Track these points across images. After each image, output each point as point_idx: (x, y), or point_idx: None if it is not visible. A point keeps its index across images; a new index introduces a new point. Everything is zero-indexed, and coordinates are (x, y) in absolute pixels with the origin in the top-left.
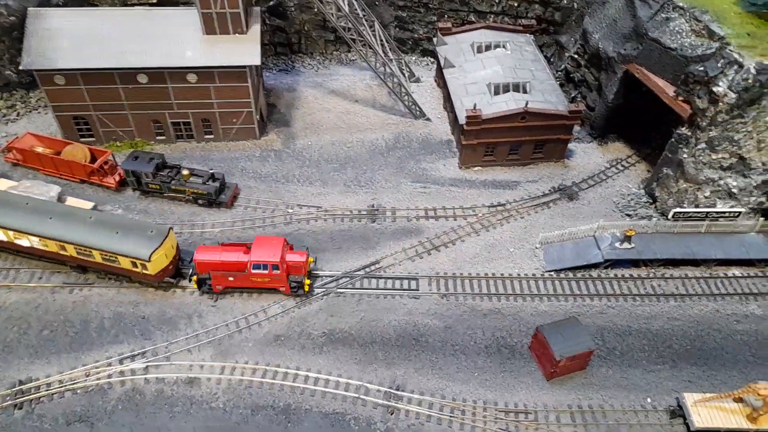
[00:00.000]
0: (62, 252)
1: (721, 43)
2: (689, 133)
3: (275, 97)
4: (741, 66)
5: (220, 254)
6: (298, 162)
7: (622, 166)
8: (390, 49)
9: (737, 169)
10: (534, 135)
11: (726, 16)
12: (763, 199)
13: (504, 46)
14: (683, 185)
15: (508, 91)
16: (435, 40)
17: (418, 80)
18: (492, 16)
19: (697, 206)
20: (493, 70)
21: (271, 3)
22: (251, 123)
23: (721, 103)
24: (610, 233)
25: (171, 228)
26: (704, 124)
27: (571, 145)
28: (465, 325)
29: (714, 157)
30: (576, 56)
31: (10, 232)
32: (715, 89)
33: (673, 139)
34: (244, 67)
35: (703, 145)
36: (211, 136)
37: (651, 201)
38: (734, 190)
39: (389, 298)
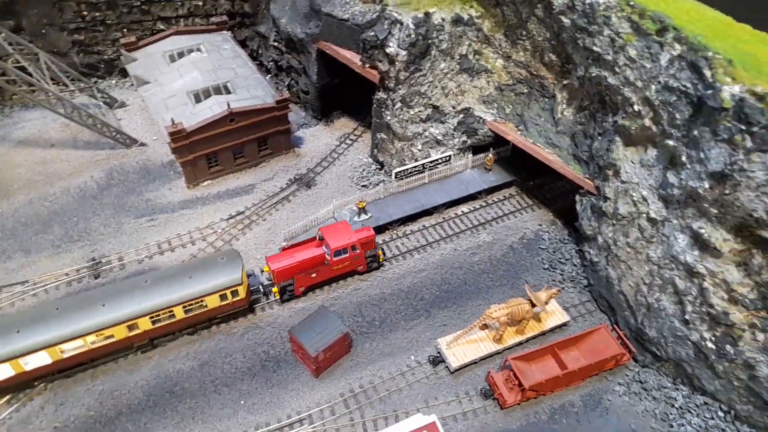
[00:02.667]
0: (130, 334)
1: (382, 6)
2: (385, 96)
3: None
4: (402, 23)
5: (295, 257)
6: None
7: (350, 140)
8: (72, 79)
9: (435, 118)
10: (251, 133)
11: None
12: (464, 138)
13: (199, 50)
14: (398, 144)
15: (210, 95)
16: (122, 58)
17: (123, 105)
18: (180, 20)
19: (416, 160)
20: (191, 76)
21: None
22: None
23: (397, 62)
24: (348, 209)
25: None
26: (392, 84)
27: (299, 132)
28: (222, 355)
29: (412, 112)
30: (276, 44)
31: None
32: (388, 50)
33: (374, 105)
34: None
35: (399, 104)
36: None
37: (380, 167)
38: (439, 137)
39: (130, 356)
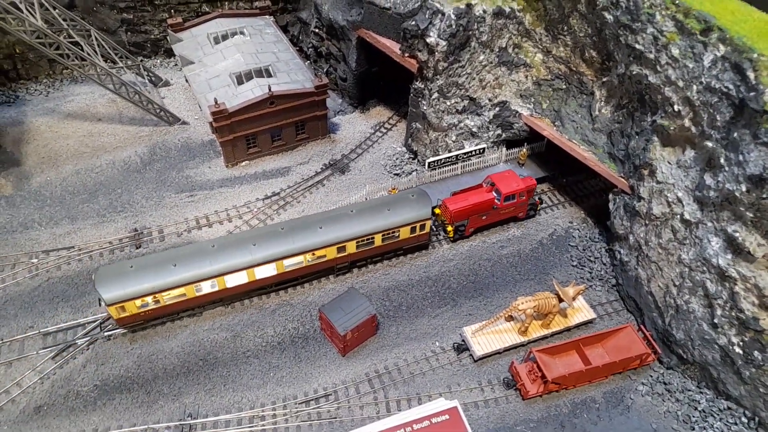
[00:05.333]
0: (338, 255)
1: None
2: (422, 86)
3: None
4: (443, 14)
5: (469, 200)
6: (36, 203)
7: (385, 128)
8: (121, 56)
9: (471, 110)
10: (290, 117)
11: None
12: (499, 131)
13: (242, 33)
14: (433, 135)
15: (252, 78)
16: (168, 38)
17: (167, 83)
18: (225, 3)
19: (449, 151)
20: (234, 59)
21: None
22: None
23: (437, 53)
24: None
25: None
26: (431, 74)
27: (335, 119)
28: (254, 328)
29: (448, 103)
30: (317, 30)
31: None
32: (428, 40)
33: (411, 94)
34: None
35: (436, 95)
36: None
37: (413, 156)
38: (474, 129)
39: (167, 324)
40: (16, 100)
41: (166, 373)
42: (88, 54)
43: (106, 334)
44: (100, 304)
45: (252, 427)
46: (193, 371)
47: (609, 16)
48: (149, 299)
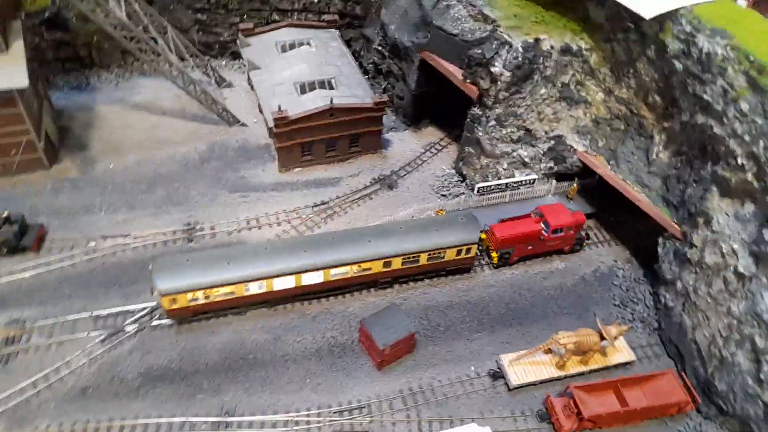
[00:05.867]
0: (383, 270)
1: (494, 26)
2: (480, 112)
3: (68, 119)
4: (511, 46)
5: (517, 228)
6: (99, 188)
7: (436, 149)
8: (192, 55)
9: (525, 141)
10: (346, 130)
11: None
12: (551, 164)
13: (309, 44)
14: (484, 161)
15: (315, 88)
16: (238, 42)
17: (230, 85)
18: (295, 13)
19: (499, 178)
20: (299, 68)
21: (47, 15)
22: (35, 152)
23: (500, 82)
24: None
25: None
26: (490, 102)
27: (388, 135)
28: (294, 333)
29: (504, 132)
30: (380, 48)
31: (332, 271)
32: (492, 69)
33: (468, 119)
34: (10, 90)
35: (493, 122)
36: None
37: (462, 179)
38: (526, 160)
39: (212, 319)
40: (87, 87)
41: (208, 368)
42: (163, 50)
43: (154, 323)
44: (152, 294)
45: (287, 430)
46: (233, 369)
47: (678, 65)
48: (200, 294)
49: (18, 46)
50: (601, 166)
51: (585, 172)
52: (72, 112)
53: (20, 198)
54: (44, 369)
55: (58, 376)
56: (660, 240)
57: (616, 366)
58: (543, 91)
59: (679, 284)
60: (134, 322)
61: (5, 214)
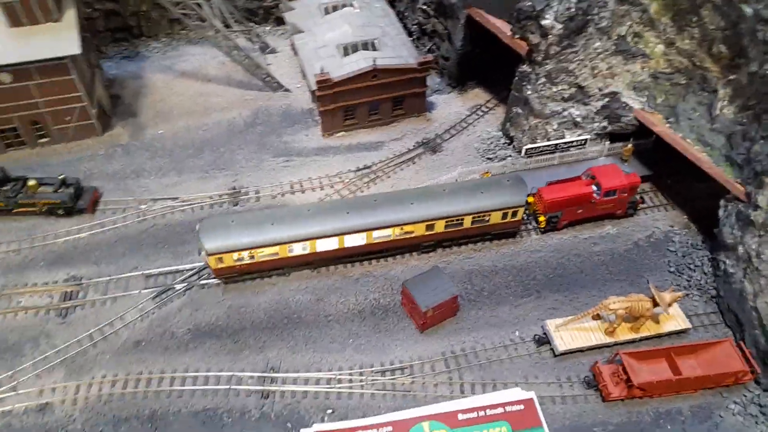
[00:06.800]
0: (426, 233)
1: None
2: (530, 70)
3: (119, 87)
4: None
5: (566, 190)
6: (148, 153)
7: (482, 111)
8: (236, 21)
9: (578, 99)
10: (390, 92)
11: None
12: (605, 123)
13: (352, 5)
14: (533, 121)
15: (358, 50)
16: (281, 6)
17: (273, 51)
18: None
19: (548, 140)
20: (342, 30)
21: None
22: (89, 119)
23: (551, 36)
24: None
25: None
26: (540, 58)
27: (432, 98)
28: (337, 294)
29: (555, 89)
30: (425, 7)
31: (375, 233)
32: (543, 23)
33: (516, 78)
34: (63, 58)
35: (543, 80)
36: (46, 139)
37: (509, 141)
38: (578, 119)
39: (257, 280)
40: (136, 56)
41: (253, 325)
42: (208, 16)
43: (202, 282)
44: (199, 254)
45: (329, 388)
46: (278, 327)
47: (748, 9)
48: (245, 254)
49: (70, 16)
50: (658, 124)
51: (641, 132)
52: (122, 81)
53: (75, 163)
54: (100, 323)
55: (113, 329)
56: (721, 202)
57: (670, 334)
58: (597, 44)
59: (740, 249)
60: (183, 281)
61: (62, 177)
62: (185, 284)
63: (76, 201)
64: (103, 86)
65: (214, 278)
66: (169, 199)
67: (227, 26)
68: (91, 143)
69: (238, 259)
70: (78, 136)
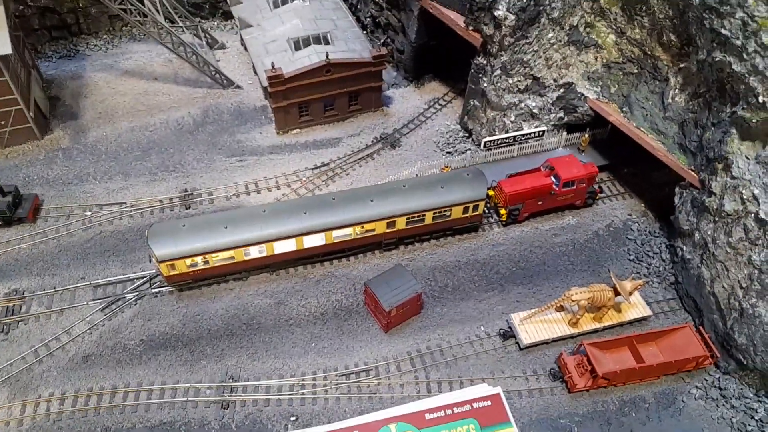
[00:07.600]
0: (387, 230)
1: None
2: (485, 62)
3: (58, 88)
4: None
5: (525, 183)
6: (92, 157)
7: (440, 105)
8: (181, 16)
9: (533, 90)
10: (344, 87)
11: None
12: (561, 114)
13: None
14: (491, 114)
15: (310, 44)
16: (228, 0)
17: (222, 46)
18: None
19: (507, 132)
20: (292, 24)
21: None
22: (25, 123)
23: (504, 27)
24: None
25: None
26: (495, 50)
27: (389, 92)
28: (298, 297)
29: (510, 81)
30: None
31: (334, 233)
32: (496, 13)
33: (472, 70)
34: None
35: (498, 72)
36: None
37: (467, 135)
38: (535, 111)
39: (213, 285)
40: (76, 55)
41: (210, 334)
42: (150, 11)
43: (154, 290)
44: (150, 261)
45: (292, 394)
46: (237, 334)
47: None
48: (199, 259)
49: None
50: (613, 113)
51: (597, 122)
52: (62, 81)
53: (13, 169)
54: (45, 338)
55: (60, 344)
56: (677, 189)
57: (631, 322)
58: (550, 35)
59: (696, 235)
60: (134, 290)
61: None
62: (136, 293)
63: (15, 210)
64: (41, 87)
65: (167, 286)
66: (115, 204)
67: (172, 22)
68: (29, 148)
69: (192, 265)
70: (14, 141)
